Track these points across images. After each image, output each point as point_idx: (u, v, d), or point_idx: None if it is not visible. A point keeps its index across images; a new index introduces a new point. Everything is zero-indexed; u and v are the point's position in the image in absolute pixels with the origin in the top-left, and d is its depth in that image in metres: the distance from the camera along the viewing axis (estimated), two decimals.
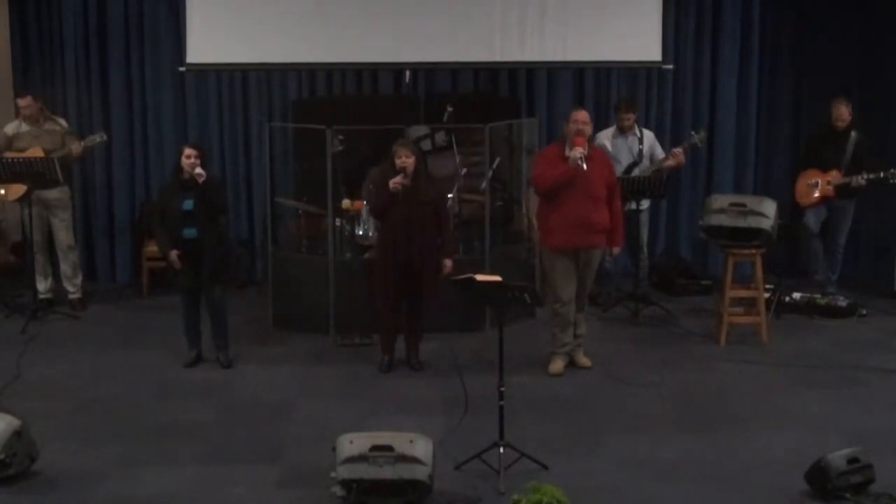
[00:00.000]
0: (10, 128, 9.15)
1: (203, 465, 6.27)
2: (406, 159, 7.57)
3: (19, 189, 8.91)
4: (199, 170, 7.57)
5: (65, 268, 9.33)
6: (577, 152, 7.42)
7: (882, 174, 8.88)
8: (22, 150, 8.98)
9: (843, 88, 9.88)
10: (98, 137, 9.16)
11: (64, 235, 9.27)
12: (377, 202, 7.71)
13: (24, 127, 9.10)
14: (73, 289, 9.35)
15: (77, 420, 6.95)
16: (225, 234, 8.20)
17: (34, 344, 8.37)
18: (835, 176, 9.08)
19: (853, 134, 9.11)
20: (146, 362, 8.00)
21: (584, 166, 7.40)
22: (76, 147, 9.05)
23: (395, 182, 7.53)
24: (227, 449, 6.51)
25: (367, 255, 8.47)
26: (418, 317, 7.85)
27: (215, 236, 7.77)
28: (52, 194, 9.10)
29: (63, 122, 9.35)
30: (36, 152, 8.95)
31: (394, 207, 7.59)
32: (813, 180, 9.15)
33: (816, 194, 9.15)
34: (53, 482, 6.03)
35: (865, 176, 8.94)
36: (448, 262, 7.75)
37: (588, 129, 7.62)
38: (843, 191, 9.13)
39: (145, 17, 10.02)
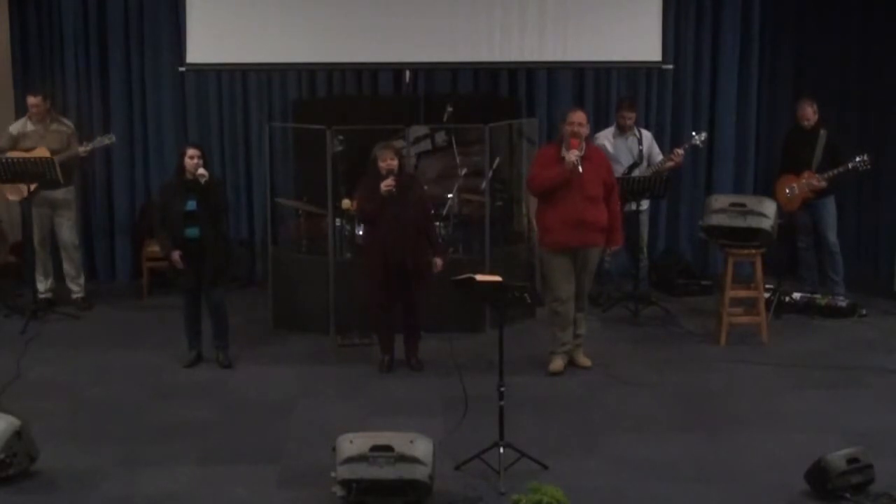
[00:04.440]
0: (16, 127, 9.15)
1: (203, 465, 6.27)
2: (391, 161, 7.61)
3: (23, 189, 8.92)
4: (201, 170, 7.59)
5: (68, 267, 9.33)
6: (573, 156, 7.40)
7: (850, 165, 8.88)
8: (28, 150, 8.98)
9: (842, 88, 9.88)
10: (107, 139, 9.15)
11: (68, 235, 9.27)
12: (371, 208, 7.68)
13: (30, 126, 9.10)
14: (76, 288, 9.35)
15: (77, 420, 6.95)
16: (226, 234, 8.20)
17: (34, 344, 8.36)
18: (808, 177, 9.05)
19: (822, 133, 9.10)
20: (146, 362, 8.00)
21: (581, 170, 7.39)
22: (82, 148, 9.04)
23: (386, 185, 7.54)
24: (227, 449, 6.51)
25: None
26: (414, 317, 7.85)
27: (217, 236, 7.78)
28: (58, 194, 9.11)
29: (69, 123, 9.34)
30: (42, 152, 8.95)
31: (383, 210, 7.61)
32: (789, 188, 9.11)
33: (797, 200, 9.12)
34: (53, 482, 6.03)
35: (827, 174, 8.92)
36: (439, 261, 7.77)
37: (584, 131, 7.60)
38: (820, 189, 9.12)
39: (145, 17, 10.03)
